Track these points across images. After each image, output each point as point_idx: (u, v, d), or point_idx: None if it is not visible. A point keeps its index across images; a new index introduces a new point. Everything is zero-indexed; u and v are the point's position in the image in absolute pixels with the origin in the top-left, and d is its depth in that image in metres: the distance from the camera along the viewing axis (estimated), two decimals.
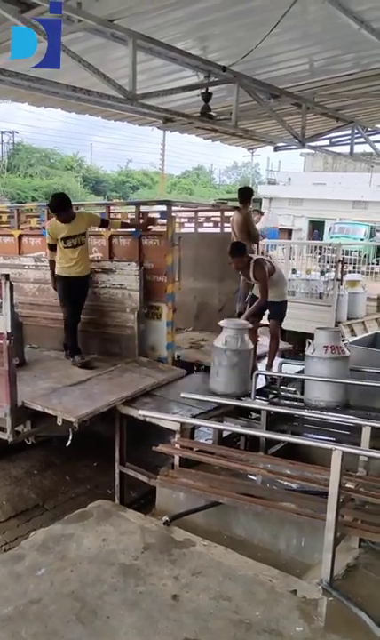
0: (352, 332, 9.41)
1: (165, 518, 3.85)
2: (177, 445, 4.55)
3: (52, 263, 5.96)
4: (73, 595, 3.11)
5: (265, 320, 6.33)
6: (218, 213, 8.22)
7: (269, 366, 6.04)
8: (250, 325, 5.62)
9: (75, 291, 5.90)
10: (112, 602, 3.05)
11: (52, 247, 5.88)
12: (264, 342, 6.46)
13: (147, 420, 4.75)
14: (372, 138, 8.83)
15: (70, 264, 5.77)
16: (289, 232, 31.28)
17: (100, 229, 6.28)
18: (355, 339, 6.35)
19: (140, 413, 4.72)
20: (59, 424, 4.65)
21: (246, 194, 7.53)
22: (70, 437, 4.65)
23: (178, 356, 6.43)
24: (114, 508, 4.17)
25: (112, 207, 6.97)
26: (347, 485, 3.65)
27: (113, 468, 5.32)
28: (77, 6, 4.11)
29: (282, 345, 6.64)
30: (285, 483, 4.01)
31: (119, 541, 3.62)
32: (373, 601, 3.05)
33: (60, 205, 5.64)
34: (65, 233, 5.68)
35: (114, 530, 3.75)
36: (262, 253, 9.22)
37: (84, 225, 5.83)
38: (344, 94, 6.94)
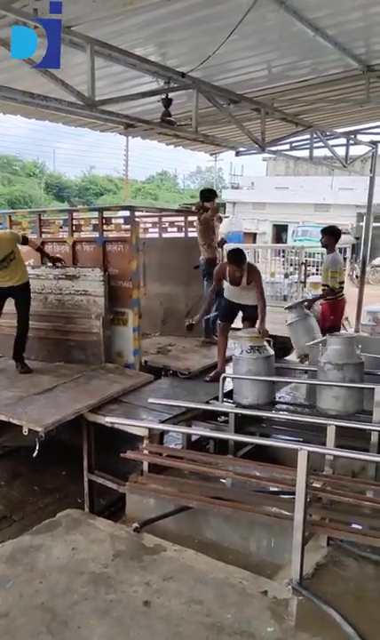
0: None
1: (135, 525, 3.83)
2: (145, 451, 4.53)
3: None
4: (42, 606, 3.06)
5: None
6: (182, 218, 8.25)
7: None
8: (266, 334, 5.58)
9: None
10: (82, 611, 3.02)
11: None
12: (232, 346, 6.50)
13: (115, 426, 4.72)
14: (330, 142, 9.00)
15: (2, 279, 5.81)
16: (254, 236, 31.54)
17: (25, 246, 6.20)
18: (319, 340, 6.42)
19: (108, 420, 4.69)
20: (25, 434, 4.59)
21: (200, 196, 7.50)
22: (37, 447, 4.59)
23: (146, 362, 6.42)
24: (84, 516, 4.12)
25: (75, 213, 6.92)
26: (314, 485, 3.70)
27: (82, 476, 5.27)
28: (34, 12, 4.08)
29: None
30: (254, 484, 4.04)
31: (89, 550, 3.58)
32: (342, 598, 3.09)
33: None
34: None
35: (84, 538, 3.71)
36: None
37: (8, 247, 5.77)
38: (302, 99, 7.07)
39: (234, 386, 5.38)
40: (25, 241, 6.04)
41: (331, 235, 6.90)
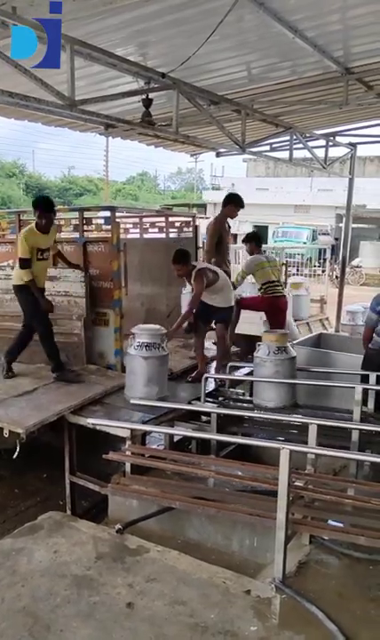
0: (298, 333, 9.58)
1: (118, 526, 3.81)
2: (127, 452, 4.52)
3: (34, 284, 5.45)
4: (24, 610, 3.03)
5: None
6: (163, 219, 8.25)
7: (218, 369, 6.08)
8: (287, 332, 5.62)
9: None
10: (65, 614, 3.00)
11: (29, 262, 5.41)
12: (212, 347, 6.51)
13: (97, 428, 4.70)
14: (310, 143, 9.06)
15: (43, 274, 5.66)
16: (235, 236, 31.65)
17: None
18: (301, 339, 6.48)
19: (90, 422, 4.67)
20: (6, 436, 4.54)
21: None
22: (17, 449, 4.55)
23: None
24: (66, 518, 4.10)
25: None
26: (296, 483, 3.71)
27: (63, 478, 5.23)
28: (12, 10, 4.04)
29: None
30: (236, 484, 4.05)
31: (71, 552, 3.56)
32: (324, 596, 3.12)
33: (51, 206, 5.39)
34: (44, 244, 5.52)
35: (66, 541, 3.69)
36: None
37: (55, 236, 5.78)
38: (282, 101, 7.11)
39: (255, 389, 5.26)
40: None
41: (251, 240, 7.29)
